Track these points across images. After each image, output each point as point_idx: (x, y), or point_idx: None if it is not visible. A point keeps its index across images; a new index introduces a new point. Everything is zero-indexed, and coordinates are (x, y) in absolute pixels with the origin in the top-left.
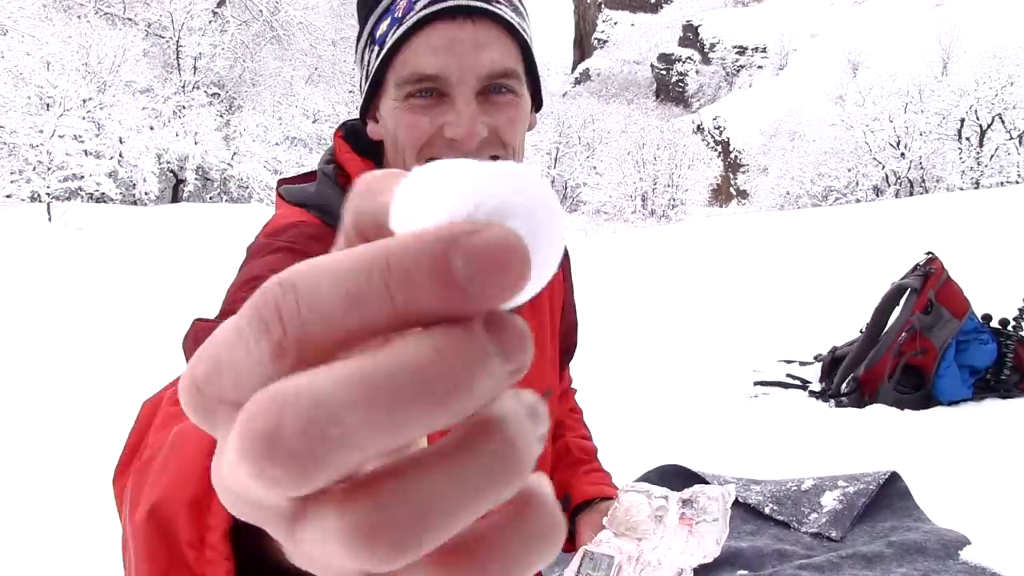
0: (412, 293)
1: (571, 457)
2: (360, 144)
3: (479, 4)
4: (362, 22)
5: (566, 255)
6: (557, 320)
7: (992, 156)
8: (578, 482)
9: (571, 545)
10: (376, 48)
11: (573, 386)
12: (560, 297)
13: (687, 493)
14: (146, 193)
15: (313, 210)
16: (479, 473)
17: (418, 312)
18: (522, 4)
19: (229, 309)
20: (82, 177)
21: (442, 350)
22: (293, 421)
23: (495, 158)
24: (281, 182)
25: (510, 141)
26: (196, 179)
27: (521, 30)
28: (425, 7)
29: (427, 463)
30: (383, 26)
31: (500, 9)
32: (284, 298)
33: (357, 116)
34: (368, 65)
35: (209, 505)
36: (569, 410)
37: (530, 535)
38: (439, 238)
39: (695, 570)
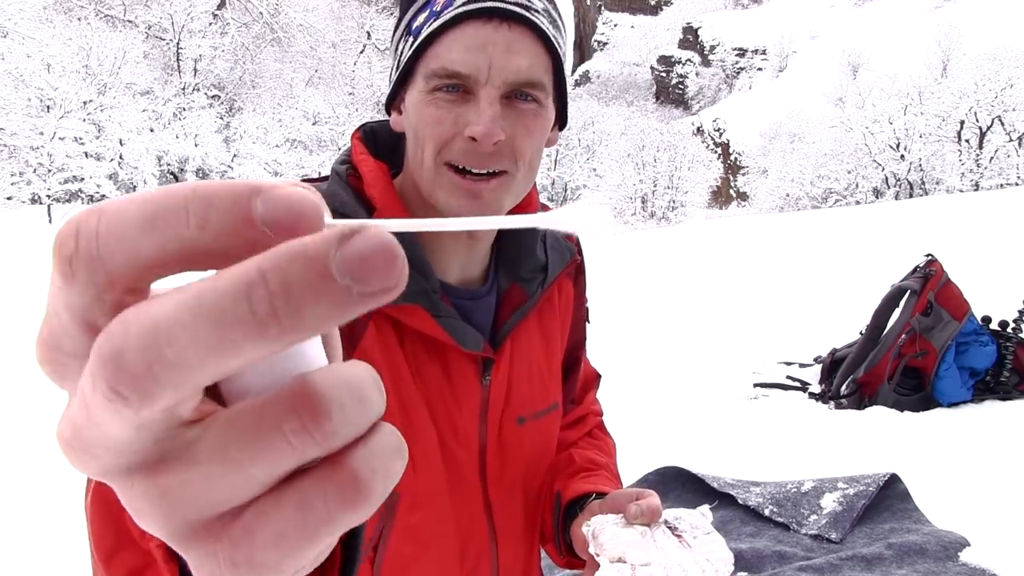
0: (210, 216)
1: (574, 467)
2: (378, 146)
3: (517, 10)
4: (402, 13)
5: (582, 272)
6: (566, 336)
7: (992, 158)
8: (572, 481)
9: (572, 557)
10: (411, 39)
11: (604, 419)
12: (570, 312)
13: (668, 516)
14: None
15: None
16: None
17: (219, 247)
18: (561, 19)
19: None
20: (82, 179)
21: (268, 269)
22: (135, 341)
23: (502, 173)
24: (302, 180)
25: (522, 151)
26: (196, 181)
27: (556, 43)
28: (463, 4)
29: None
30: (420, 18)
31: (538, 19)
32: (87, 220)
33: (360, 120)
34: (400, 55)
35: None
36: (586, 435)
37: None
38: (248, 185)
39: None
